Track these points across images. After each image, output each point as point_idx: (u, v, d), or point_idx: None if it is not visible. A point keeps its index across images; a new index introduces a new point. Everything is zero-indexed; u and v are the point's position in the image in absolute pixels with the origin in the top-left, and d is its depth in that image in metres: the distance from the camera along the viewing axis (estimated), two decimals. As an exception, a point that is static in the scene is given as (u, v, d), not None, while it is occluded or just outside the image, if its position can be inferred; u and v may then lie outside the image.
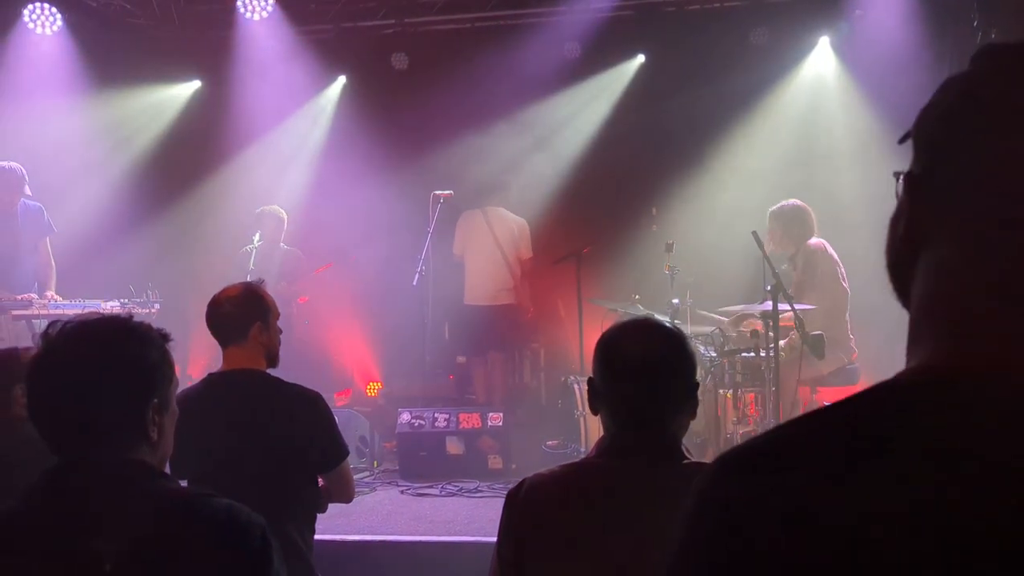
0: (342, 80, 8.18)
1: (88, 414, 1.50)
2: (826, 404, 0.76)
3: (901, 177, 0.82)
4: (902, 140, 0.85)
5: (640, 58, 7.74)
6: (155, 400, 1.56)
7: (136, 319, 1.62)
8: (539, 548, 1.76)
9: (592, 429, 5.11)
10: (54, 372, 1.51)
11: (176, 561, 1.44)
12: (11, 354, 2.94)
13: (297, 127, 8.14)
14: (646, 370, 1.79)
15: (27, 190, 5.85)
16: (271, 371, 2.91)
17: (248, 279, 3.10)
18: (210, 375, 2.91)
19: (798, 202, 5.29)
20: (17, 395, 2.79)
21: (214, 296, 2.88)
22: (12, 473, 1.93)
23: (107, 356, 1.53)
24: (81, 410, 1.50)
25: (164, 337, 1.62)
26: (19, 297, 5.62)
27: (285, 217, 6.98)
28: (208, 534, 1.48)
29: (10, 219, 5.81)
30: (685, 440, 5.01)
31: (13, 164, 5.77)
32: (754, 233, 4.59)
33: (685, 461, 1.80)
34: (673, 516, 0.77)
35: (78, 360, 1.51)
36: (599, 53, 7.60)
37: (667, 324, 1.95)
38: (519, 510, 1.81)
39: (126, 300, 5.71)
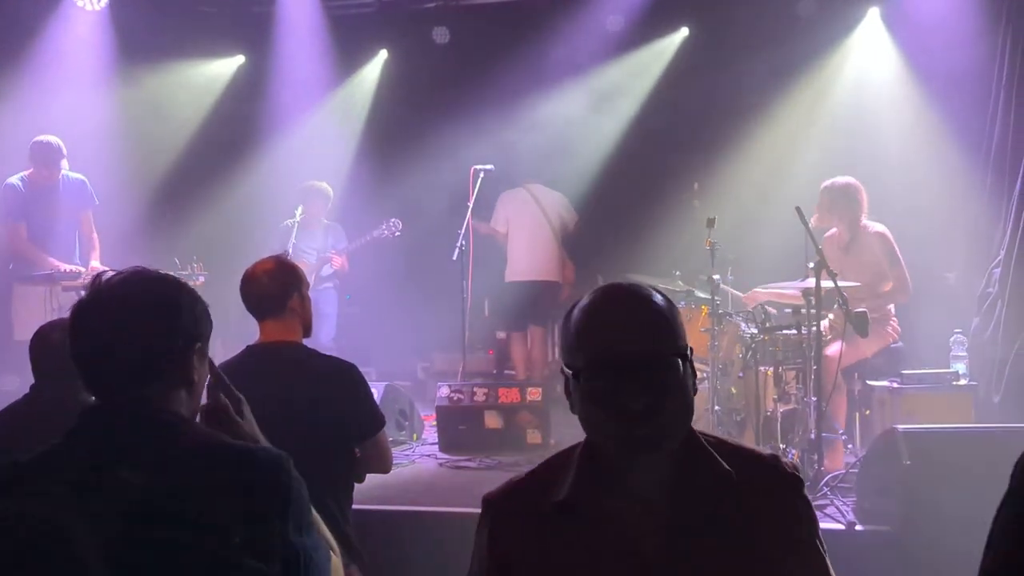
0: (383, 54, 8.19)
1: (136, 352, 1.55)
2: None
3: None
4: None
5: (684, 31, 7.64)
6: (198, 345, 1.63)
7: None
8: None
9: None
10: (103, 313, 1.56)
11: (199, 494, 1.48)
12: None
13: (339, 101, 8.17)
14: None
15: (65, 164, 5.93)
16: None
17: (289, 252, 3.14)
18: (249, 347, 2.95)
19: (851, 180, 5.19)
20: None
21: (248, 270, 2.91)
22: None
23: (156, 299, 1.60)
24: (130, 349, 1.55)
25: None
26: (67, 268, 5.73)
27: (331, 194, 7.02)
28: (230, 471, 1.52)
29: (50, 192, 5.91)
30: (725, 419, 4.97)
31: (52, 138, 5.85)
32: (797, 208, 4.51)
33: None
34: None
35: (128, 303, 1.57)
36: (642, 26, 7.51)
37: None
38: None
39: (171, 273, 5.79)
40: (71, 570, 1.41)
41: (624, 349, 1.42)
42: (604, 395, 1.41)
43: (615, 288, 1.51)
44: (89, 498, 1.44)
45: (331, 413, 2.78)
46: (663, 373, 1.42)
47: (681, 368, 1.44)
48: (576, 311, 1.50)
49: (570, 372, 1.47)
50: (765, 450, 1.55)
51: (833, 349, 4.80)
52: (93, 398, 1.60)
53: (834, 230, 5.23)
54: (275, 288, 2.85)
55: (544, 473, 1.56)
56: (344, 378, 2.87)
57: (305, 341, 2.97)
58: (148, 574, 1.43)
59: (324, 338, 6.76)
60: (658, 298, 1.49)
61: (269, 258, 2.97)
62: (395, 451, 4.42)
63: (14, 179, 5.85)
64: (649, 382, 1.41)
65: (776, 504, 1.47)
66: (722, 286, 5.21)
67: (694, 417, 4.26)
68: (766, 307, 5.17)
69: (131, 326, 1.55)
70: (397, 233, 6.91)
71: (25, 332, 5.28)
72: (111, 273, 1.62)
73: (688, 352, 1.47)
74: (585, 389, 1.44)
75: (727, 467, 1.46)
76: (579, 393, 1.45)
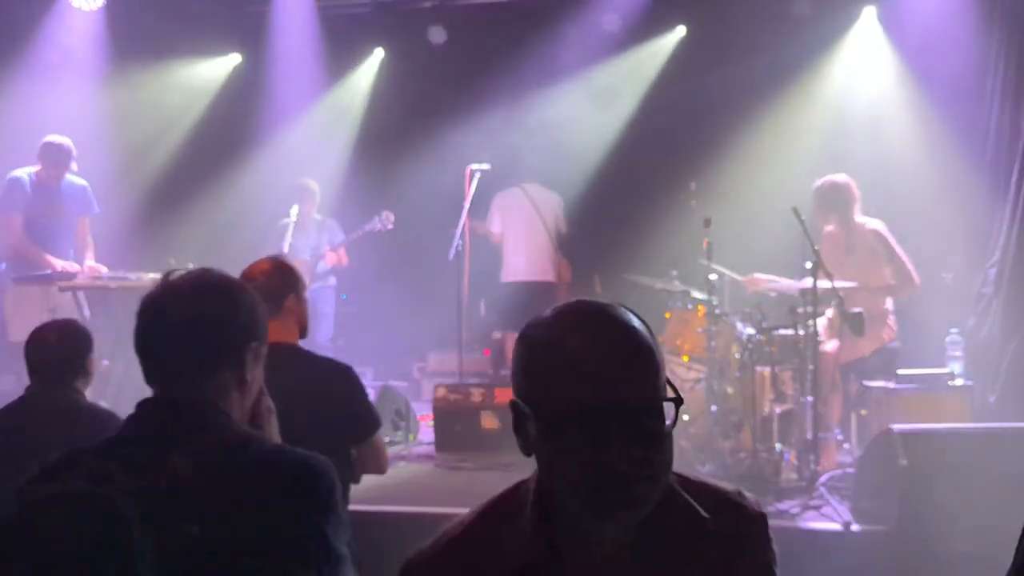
0: (380, 53, 8.18)
1: (196, 348, 1.64)
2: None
3: None
4: None
5: (681, 30, 7.63)
6: (254, 344, 1.71)
7: None
8: None
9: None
10: (169, 307, 1.65)
11: (248, 491, 1.54)
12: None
13: (335, 100, 8.16)
14: None
15: (73, 166, 5.95)
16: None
17: (285, 252, 3.13)
18: (246, 348, 2.94)
19: (842, 177, 5.20)
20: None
21: (245, 271, 2.90)
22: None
23: (218, 297, 1.69)
24: (191, 344, 1.64)
25: None
26: (61, 266, 5.73)
27: (316, 189, 7.01)
28: (280, 472, 1.59)
29: (54, 193, 5.91)
30: (721, 419, 4.97)
31: (63, 140, 5.87)
32: (794, 209, 4.52)
33: None
34: None
35: (192, 298, 1.66)
36: (639, 26, 7.50)
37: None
38: None
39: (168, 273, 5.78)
40: (124, 549, 1.46)
41: (610, 395, 1.16)
42: (582, 451, 1.15)
43: (586, 312, 1.24)
44: (142, 482, 1.50)
45: (326, 414, 2.77)
46: (654, 422, 1.17)
47: (671, 414, 1.19)
48: (539, 340, 1.23)
49: (528, 411, 1.21)
50: (728, 486, 1.36)
51: (831, 346, 4.80)
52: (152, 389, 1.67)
53: (831, 228, 5.23)
54: (272, 289, 2.84)
55: (483, 530, 1.30)
56: (339, 379, 2.86)
57: (302, 341, 2.96)
58: (193, 562, 1.48)
59: (322, 338, 6.75)
60: (638, 323, 1.23)
61: (266, 258, 2.97)
62: (391, 451, 4.41)
63: (21, 173, 5.86)
64: (638, 435, 1.16)
65: (748, 548, 1.33)
66: (720, 269, 5.20)
67: (692, 417, 4.25)
68: (767, 294, 5.16)
69: (193, 320, 1.64)
70: (390, 226, 6.90)
71: (20, 333, 5.27)
72: (181, 270, 1.71)
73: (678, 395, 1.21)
74: (556, 441, 1.17)
75: (703, 513, 1.26)
76: (546, 443, 1.19)
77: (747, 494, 1.37)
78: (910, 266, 5.05)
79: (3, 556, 1.51)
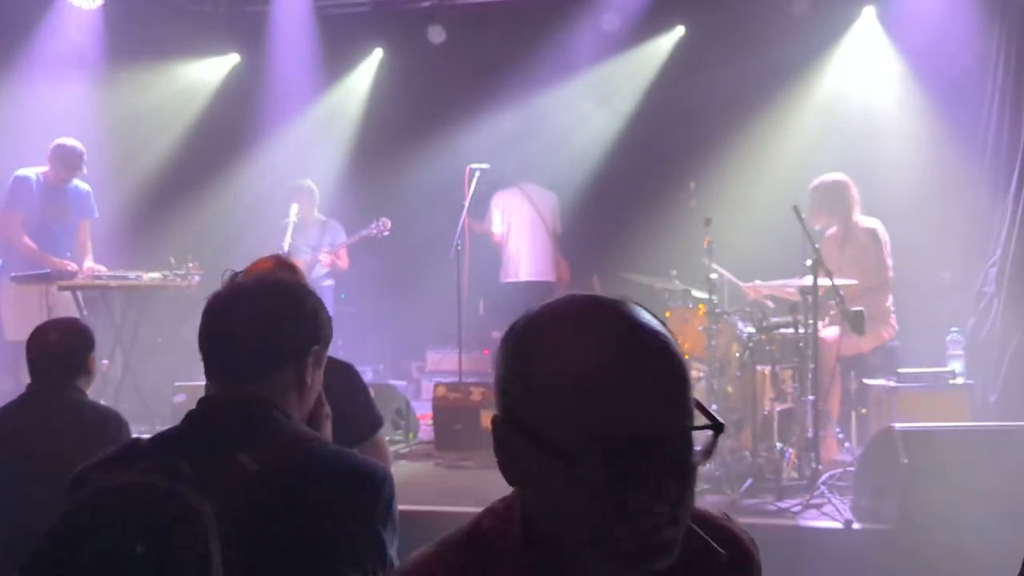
0: (379, 53, 8.18)
1: (260, 348, 1.65)
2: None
3: None
4: None
5: (680, 30, 7.63)
6: (316, 347, 1.73)
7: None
8: None
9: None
10: (235, 307, 1.67)
11: (311, 492, 1.54)
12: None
13: (334, 100, 8.16)
14: None
15: (84, 169, 5.99)
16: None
17: (285, 251, 3.12)
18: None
19: (839, 176, 5.20)
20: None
21: (247, 269, 2.89)
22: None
23: (284, 299, 1.71)
24: (254, 344, 1.65)
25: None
26: (58, 262, 5.73)
27: (315, 189, 7.01)
28: (343, 476, 1.60)
29: (59, 195, 5.94)
30: (721, 417, 4.98)
31: (76, 143, 5.92)
32: (795, 208, 4.52)
33: None
34: None
35: (258, 299, 1.68)
36: (638, 26, 7.50)
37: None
38: None
39: (167, 272, 5.79)
40: (199, 545, 1.42)
41: (639, 419, 0.93)
42: (601, 488, 0.93)
43: (604, 313, 0.99)
44: (208, 477, 1.49)
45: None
46: (686, 453, 0.96)
47: (706, 442, 0.98)
48: (541, 346, 0.99)
49: (523, 435, 0.97)
50: (716, 511, 1.21)
51: (831, 334, 4.80)
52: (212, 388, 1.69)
53: (833, 228, 5.24)
54: None
55: (463, 568, 1.07)
56: (341, 378, 2.85)
57: None
58: (257, 559, 1.48)
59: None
60: (662, 327, 1.00)
61: (268, 257, 2.96)
62: (391, 450, 4.41)
63: (29, 172, 5.87)
64: (669, 469, 0.94)
65: None
66: (721, 271, 5.20)
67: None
68: (764, 303, 5.16)
69: (258, 321, 1.66)
70: (386, 233, 6.89)
71: (18, 332, 5.28)
72: (248, 273, 1.78)
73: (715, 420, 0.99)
74: (564, 475, 0.94)
75: (720, 549, 1.08)
76: (549, 477, 0.96)
77: (734, 519, 1.23)
78: (890, 273, 5.06)
79: (70, 543, 1.41)
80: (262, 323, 1.66)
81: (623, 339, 0.97)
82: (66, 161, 5.85)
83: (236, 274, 1.74)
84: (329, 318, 1.79)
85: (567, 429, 0.94)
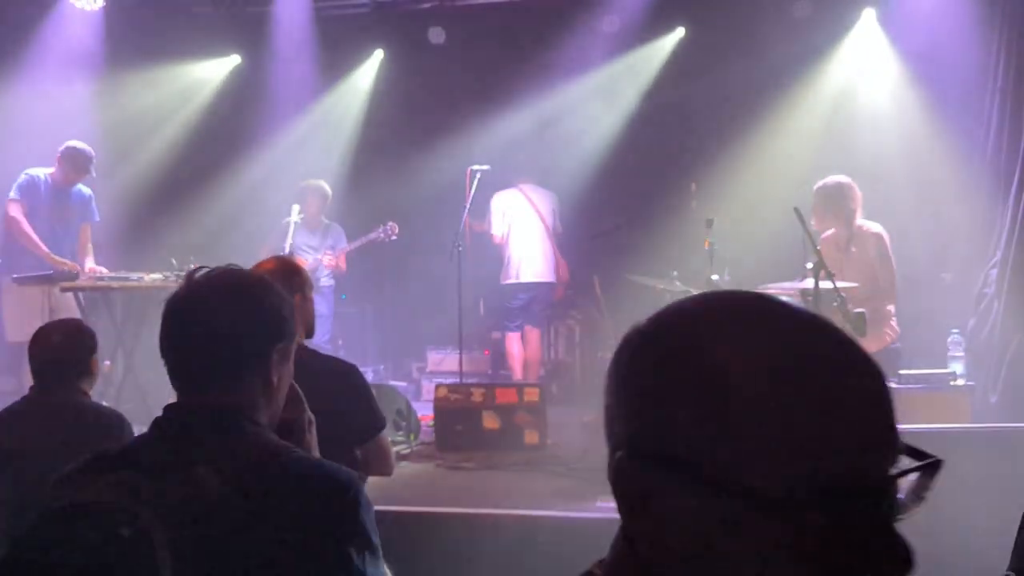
0: (379, 55, 8.19)
1: (220, 351, 1.59)
2: None
3: None
4: None
5: (680, 31, 7.64)
6: (280, 344, 1.66)
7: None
8: None
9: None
10: (195, 310, 1.61)
11: (271, 504, 1.48)
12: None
13: (335, 101, 8.17)
14: None
15: (92, 173, 6.02)
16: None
17: (287, 251, 3.12)
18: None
19: (844, 179, 5.20)
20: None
21: (250, 270, 2.90)
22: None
23: (246, 300, 1.64)
24: (214, 347, 1.59)
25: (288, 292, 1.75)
26: (58, 260, 5.76)
27: (329, 193, 7.02)
28: (305, 486, 1.53)
29: (65, 197, 6.00)
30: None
31: (86, 147, 5.99)
32: (796, 209, 4.52)
33: None
34: None
35: (220, 301, 1.61)
36: (638, 27, 7.51)
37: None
38: None
39: (168, 273, 5.80)
40: (143, 560, 1.42)
41: (879, 465, 0.76)
42: (871, 540, 0.72)
43: (820, 329, 0.77)
44: (166, 492, 1.46)
45: (331, 414, 2.77)
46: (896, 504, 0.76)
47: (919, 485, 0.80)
48: (756, 373, 0.73)
49: (713, 485, 0.72)
50: None
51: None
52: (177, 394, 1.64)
53: (832, 230, 5.24)
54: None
55: None
56: (345, 379, 2.86)
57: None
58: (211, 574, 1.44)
59: (318, 338, 6.75)
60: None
61: (272, 257, 2.97)
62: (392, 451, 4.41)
63: (39, 172, 5.93)
64: (891, 525, 0.74)
65: None
66: (720, 281, 5.21)
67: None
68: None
69: (214, 324, 1.59)
70: (393, 237, 6.91)
71: (18, 333, 5.29)
72: (207, 269, 1.66)
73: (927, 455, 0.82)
74: (785, 538, 0.70)
75: None
76: (755, 540, 0.71)
77: None
78: (895, 278, 5.07)
79: (20, 570, 1.46)
80: (217, 329, 1.59)
81: (851, 359, 0.77)
82: (76, 164, 5.92)
83: (192, 273, 1.66)
84: (292, 311, 1.71)
85: (785, 476, 0.70)
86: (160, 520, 1.42)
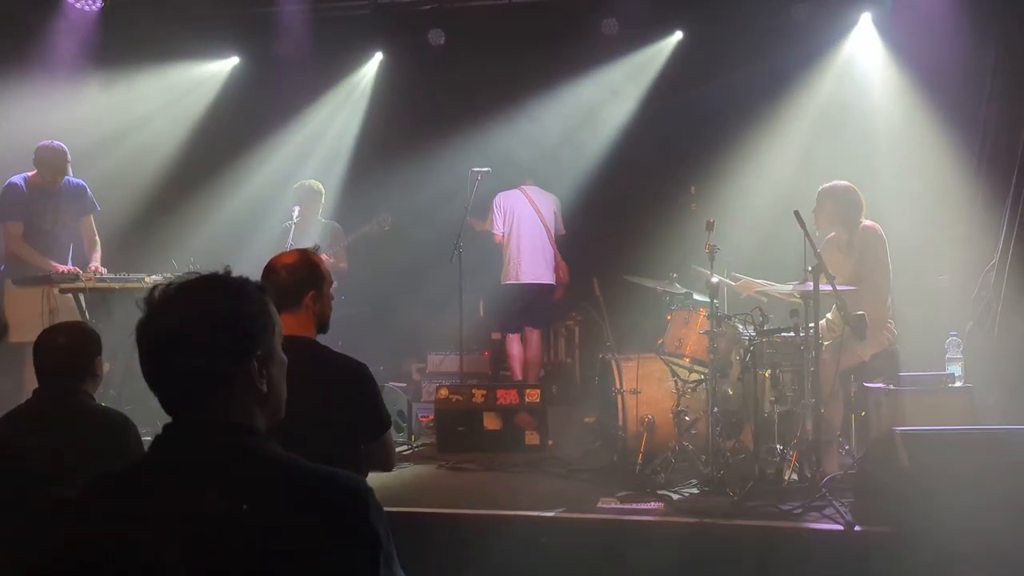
0: (379, 56, 8.20)
1: (193, 373, 1.51)
2: None
3: None
4: None
5: (678, 35, 7.66)
6: (259, 352, 1.58)
7: (233, 275, 1.64)
8: None
9: (630, 406, 5.10)
10: (158, 337, 1.53)
11: (278, 512, 1.44)
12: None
13: (335, 103, 8.18)
14: None
15: (69, 169, 5.95)
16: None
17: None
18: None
19: (850, 184, 5.21)
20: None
21: (270, 262, 2.90)
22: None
23: (204, 316, 1.54)
24: (186, 370, 1.51)
25: (261, 289, 1.64)
26: (64, 269, 5.73)
27: (322, 190, 7.01)
28: (314, 498, 1.49)
29: (51, 197, 5.91)
30: (723, 420, 4.97)
31: (57, 143, 5.86)
32: (796, 212, 4.53)
33: None
34: None
35: (178, 322, 1.52)
36: (638, 30, 7.53)
37: None
38: None
39: (169, 274, 5.80)
40: None
41: None
42: None
43: None
44: (170, 514, 1.42)
45: (340, 410, 2.78)
46: None
47: None
48: None
49: None
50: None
51: (829, 353, 4.81)
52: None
53: (833, 233, 5.25)
54: (292, 283, 2.85)
55: None
56: (354, 377, 2.87)
57: None
58: None
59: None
60: None
61: (293, 251, 2.97)
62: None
63: (18, 179, 5.86)
64: None
65: None
66: (706, 271, 5.22)
67: (694, 418, 4.19)
68: (758, 299, 5.18)
69: (183, 345, 1.51)
70: (387, 228, 6.88)
71: (20, 335, 5.27)
72: (163, 287, 1.56)
73: None
74: None
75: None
76: None
77: None
78: (889, 281, 5.08)
79: None
80: (187, 352, 1.50)
81: None
82: (50, 164, 5.82)
83: (151, 292, 1.55)
84: (265, 313, 1.61)
85: None
86: (168, 544, 1.40)
